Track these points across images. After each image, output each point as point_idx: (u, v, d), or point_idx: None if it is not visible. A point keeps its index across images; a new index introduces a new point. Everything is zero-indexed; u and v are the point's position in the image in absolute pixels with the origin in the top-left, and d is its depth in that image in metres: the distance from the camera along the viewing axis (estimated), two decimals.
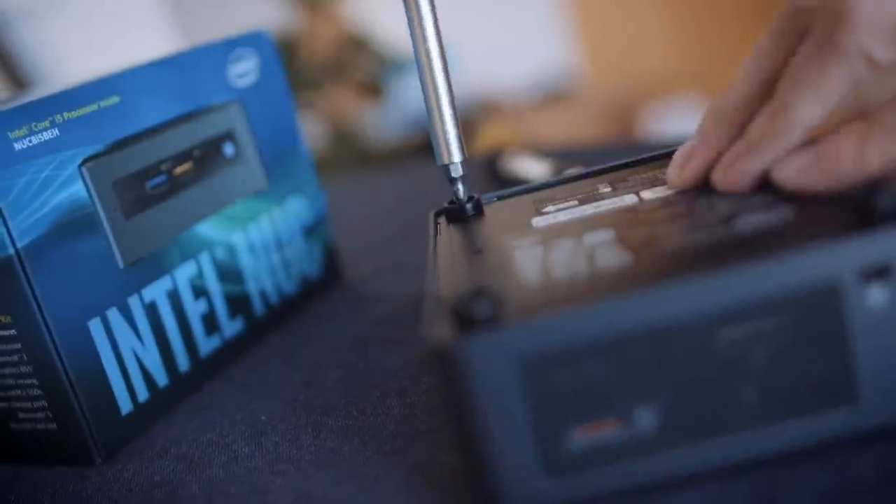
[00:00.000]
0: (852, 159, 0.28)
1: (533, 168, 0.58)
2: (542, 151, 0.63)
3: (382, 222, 0.65)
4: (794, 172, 0.29)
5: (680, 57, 2.32)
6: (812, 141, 0.30)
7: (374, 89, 1.90)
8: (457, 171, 0.37)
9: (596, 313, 0.26)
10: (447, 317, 0.27)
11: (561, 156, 0.61)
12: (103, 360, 0.38)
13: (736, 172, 0.31)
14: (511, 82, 2.48)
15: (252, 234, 0.47)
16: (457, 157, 0.37)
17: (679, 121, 2.06)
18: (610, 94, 2.39)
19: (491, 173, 0.63)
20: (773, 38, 0.31)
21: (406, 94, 2.00)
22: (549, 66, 2.53)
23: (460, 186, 0.38)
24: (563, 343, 0.26)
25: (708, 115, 0.33)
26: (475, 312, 0.26)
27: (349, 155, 1.81)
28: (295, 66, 1.82)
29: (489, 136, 2.13)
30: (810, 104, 0.29)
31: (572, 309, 0.26)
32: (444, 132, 0.37)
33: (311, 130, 1.81)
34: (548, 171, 0.56)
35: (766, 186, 0.31)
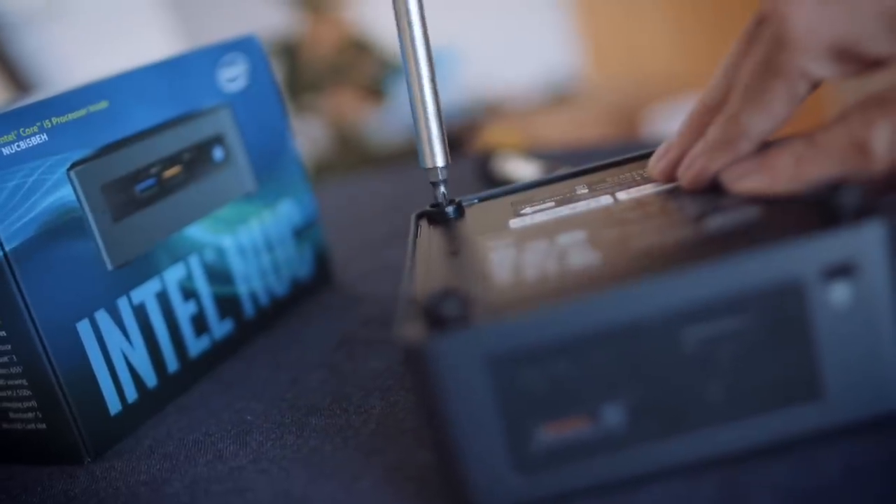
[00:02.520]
0: (789, 174, 0.30)
1: (523, 169, 0.58)
2: (533, 153, 0.64)
3: (376, 224, 0.65)
4: (738, 177, 0.31)
5: (684, 58, 2.32)
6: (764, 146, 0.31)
7: (375, 92, 1.91)
8: (439, 175, 0.38)
9: (563, 312, 0.26)
10: (418, 317, 0.27)
11: (559, 157, 0.61)
12: (92, 362, 0.39)
13: (693, 171, 0.32)
14: (516, 84, 2.48)
15: (242, 237, 0.48)
16: (440, 161, 0.38)
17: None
18: (615, 96, 2.39)
19: (483, 174, 0.64)
20: (741, 44, 0.32)
21: (399, 98, 2.00)
22: (555, 68, 2.53)
23: (442, 189, 0.38)
24: (530, 342, 0.26)
25: (688, 114, 0.35)
26: (445, 312, 0.26)
27: (351, 157, 1.82)
28: (297, 69, 1.83)
29: (494, 138, 2.13)
30: (757, 118, 0.31)
31: (540, 308, 0.26)
32: (429, 136, 0.38)
33: (314, 133, 1.82)
34: (538, 173, 0.57)
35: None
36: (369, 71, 1.89)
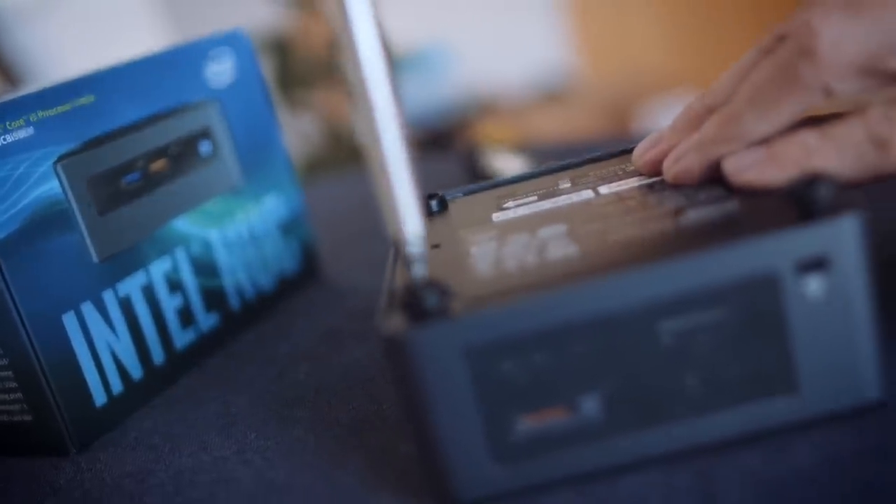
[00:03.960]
0: (798, 167, 0.29)
1: (509, 164, 0.59)
2: (520, 148, 0.64)
3: (367, 219, 0.65)
4: (742, 169, 0.30)
5: (677, 54, 2.33)
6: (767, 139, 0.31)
7: None
8: (415, 246, 0.28)
9: (541, 304, 0.26)
10: (398, 309, 0.27)
11: (548, 153, 0.62)
12: (78, 354, 0.39)
13: (680, 165, 0.32)
14: (509, 81, 2.49)
15: (228, 231, 0.48)
16: (415, 226, 0.28)
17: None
18: (607, 91, 2.40)
19: (469, 169, 0.64)
20: (757, 55, 0.32)
21: (398, 93, 2.00)
22: (547, 64, 2.53)
23: (420, 266, 0.28)
24: (508, 333, 0.27)
25: (684, 109, 0.35)
26: (425, 304, 0.27)
27: (343, 153, 1.82)
28: (289, 65, 1.83)
29: (486, 134, 2.13)
30: (761, 121, 0.30)
31: (518, 300, 0.26)
32: (398, 196, 0.28)
33: (306, 129, 1.82)
34: (523, 168, 0.57)
35: (713, 181, 0.32)
36: None
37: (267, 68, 1.85)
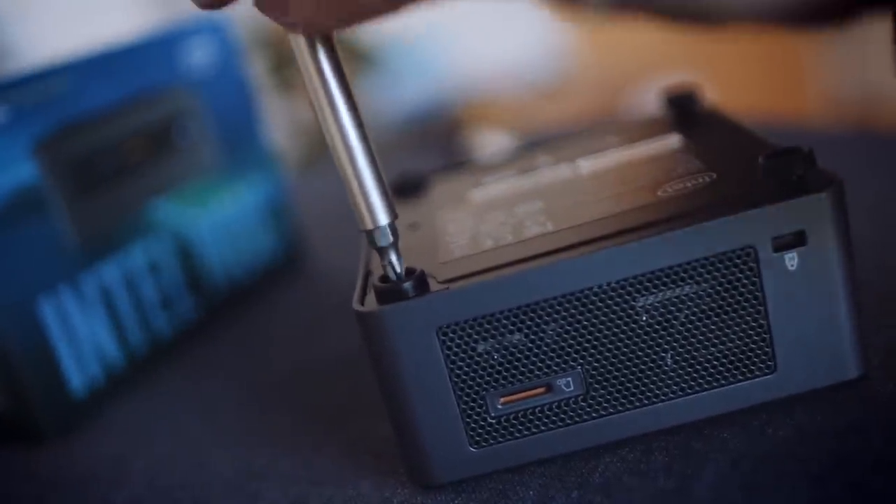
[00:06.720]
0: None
1: (490, 143, 0.58)
2: (501, 127, 0.63)
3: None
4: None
5: (671, 37, 2.32)
6: None
7: (363, 58, 1.91)
8: (385, 238, 0.27)
9: (514, 282, 0.26)
10: (373, 289, 0.27)
11: (533, 135, 0.61)
12: (55, 340, 0.39)
13: None
14: (502, 70, 2.47)
15: (210, 216, 0.47)
16: (383, 218, 0.27)
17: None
18: (603, 81, 2.39)
19: (449, 149, 0.64)
20: None
21: (382, 92, 1.98)
22: (542, 55, 2.52)
23: (393, 257, 0.27)
24: (482, 311, 0.26)
25: None
26: (398, 284, 0.26)
27: None
28: (288, 57, 1.82)
29: (481, 125, 2.12)
30: None
31: (491, 277, 0.26)
32: (363, 189, 0.27)
33: (304, 114, 1.81)
34: (504, 146, 0.56)
35: (691, 155, 0.31)
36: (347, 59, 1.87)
37: (263, 49, 1.83)
